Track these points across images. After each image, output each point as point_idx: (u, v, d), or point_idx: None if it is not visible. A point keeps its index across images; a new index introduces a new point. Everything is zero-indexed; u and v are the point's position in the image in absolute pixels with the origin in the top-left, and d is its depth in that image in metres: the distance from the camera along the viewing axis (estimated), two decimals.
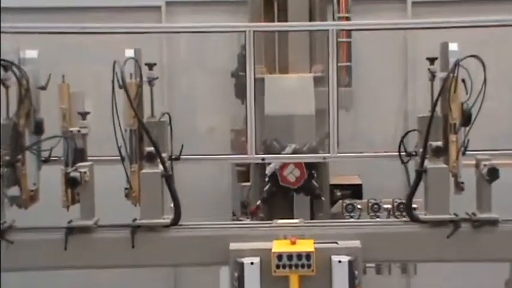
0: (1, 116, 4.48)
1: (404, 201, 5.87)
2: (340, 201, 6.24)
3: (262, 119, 6.01)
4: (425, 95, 4.86)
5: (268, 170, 5.87)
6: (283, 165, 5.82)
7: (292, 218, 5.35)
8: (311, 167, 5.87)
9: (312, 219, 5.91)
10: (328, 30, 4.92)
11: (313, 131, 6.07)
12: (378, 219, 6.00)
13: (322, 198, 6.07)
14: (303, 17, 6.39)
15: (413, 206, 4.59)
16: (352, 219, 6.06)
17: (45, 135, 4.67)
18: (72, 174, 4.39)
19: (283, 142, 5.92)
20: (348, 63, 6.92)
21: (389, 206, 6.10)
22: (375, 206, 6.13)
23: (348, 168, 6.88)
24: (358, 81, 7.19)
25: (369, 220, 5.96)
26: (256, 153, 5.07)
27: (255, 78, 4.96)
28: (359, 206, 6.16)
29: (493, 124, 6.27)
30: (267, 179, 5.94)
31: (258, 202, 6.14)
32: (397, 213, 6.02)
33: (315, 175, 5.93)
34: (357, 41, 7.04)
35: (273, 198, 5.98)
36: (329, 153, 5.00)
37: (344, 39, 6.81)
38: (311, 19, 6.46)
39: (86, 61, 7.33)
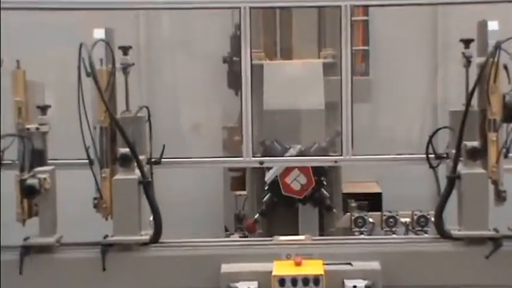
0: None
1: (425, 213, 5.91)
2: (348, 213, 6.22)
3: (261, 115, 6.00)
4: (459, 85, 4.85)
5: (268, 177, 5.87)
6: (286, 171, 5.82)
7: (297, 234, 5.35)
8: (320, 173, 5.86)
9: (321, 235, 5.90)
10: (340, 6, 4.91)
11: (322, 129, 6.06)
12: (394, 235, 5.97)
13: (334, 210, 6.06)
14: None
15: None
16: (362, 236, 6.01)
17: None
18: (29, 181, 4.39)
19: (286, 142, 5.91)
20: (365, 47, 6.92)
21: (407, 219, 6.08)
22: (391, 219, 6.10)
23: (364, 173, 6.87)
24: (376, 68, 7.18)
25: (390, 237, 5.94)
26: (254, 156, 5.05)
27: (251, 65, 4.96)
28: (371, 220, 6.13)
29: None
30: (266, 187, 5.93)
31: (256, 215, 6.13)
32: (417, 229, 6.00)
33: (325, 182, 5.93)
34: (376, 19, 7.02)
35: (273, 210, 5.97)
36: (342, 155, 4.99)
37: (360, 18, 6.81)
38: None
39: (46, 43, 7.31)
